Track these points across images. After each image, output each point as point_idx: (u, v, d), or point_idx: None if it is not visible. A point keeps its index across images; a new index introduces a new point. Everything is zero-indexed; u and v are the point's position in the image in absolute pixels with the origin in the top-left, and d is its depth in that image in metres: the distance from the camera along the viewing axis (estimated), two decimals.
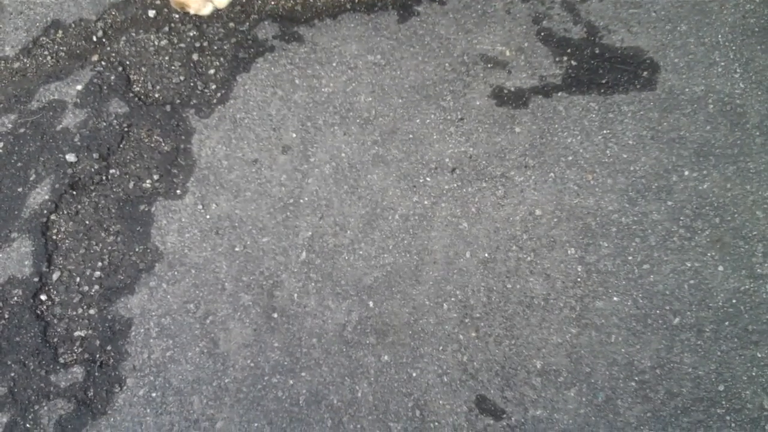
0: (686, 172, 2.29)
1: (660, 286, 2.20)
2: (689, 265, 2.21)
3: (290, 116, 2.40)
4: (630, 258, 2.23)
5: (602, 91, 2.40)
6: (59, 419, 2.10)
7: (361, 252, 2.26)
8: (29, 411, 2.10)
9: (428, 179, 2.33)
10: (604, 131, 2.35)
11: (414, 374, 2.15)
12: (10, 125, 2.39)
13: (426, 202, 2.30)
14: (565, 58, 2.45)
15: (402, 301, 2.21)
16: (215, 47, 2.49)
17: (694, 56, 2.42)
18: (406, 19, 2.53)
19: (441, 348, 2.17)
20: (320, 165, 2.34)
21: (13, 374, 2.13)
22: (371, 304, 2.21)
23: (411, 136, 2.38)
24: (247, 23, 2.52)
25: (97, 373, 2.14)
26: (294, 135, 2.37)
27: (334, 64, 2.47)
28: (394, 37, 2.51)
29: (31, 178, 2.31)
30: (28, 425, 2.09)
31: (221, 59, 2.48)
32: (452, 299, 2.21)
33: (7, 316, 2.17)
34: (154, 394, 2.12)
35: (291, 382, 2.14)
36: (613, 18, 2.49)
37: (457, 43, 2.51)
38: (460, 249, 2.26)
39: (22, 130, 2.38)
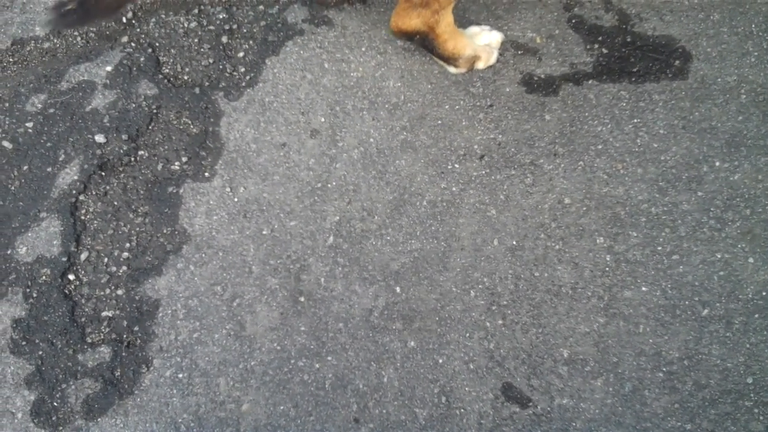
0: (717, 163, 2.27)
1: (689, 277, 2.19)
2: (719, 256, 2.20)
3: (319, 100, 2.39)
4: (659, 248, 2.22)
5: (633, 79, 2.38)
6: (86, 398, 2.11)
7: (388, 237, 2.25)
8: (57, 389, 2.11)
9: (456, 166, 2.32)
10: (635, 120, 2.33)
11: (440, 361, 2.15)
12: (39, 105, 2.39)
13: (454, 189, 2.29)
14: (596, 46, 2.44)
15: (429, 287, 2.21)
16: (245, 30, 2.49)
17: (726, 46, 2.39)
18: None
19: (468, 335, 2.17)
20: (348, 150, 2.34)
21: (41, 353, 2.14)
22: (398, 289, 2.20)
23: (440, 122, 2.37)
24: (277, 6, 2.51)
25: (124, 354, 2.14)
26: (323, 119, 2.37)
27: (364, 49, 2.47)
28: None
29: (61, 159, 2.32)
30: (55, 403, 2.10)
31: (250, 42, 2.47)
32: (479, 286, 2.21)
33: (35, 295, 2.18)
34: (180, 375, 2.13)
35: (317, 365, 2.14)
36: (646, 6, 2.47)
37: None
38: (488, 236, 2.25)
39: (51, 111, 2.38)
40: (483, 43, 2.39)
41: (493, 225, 2.25)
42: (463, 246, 2.24)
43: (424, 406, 2.10)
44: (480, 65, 2.37)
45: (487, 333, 2.16)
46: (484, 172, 2.31)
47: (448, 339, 2.16)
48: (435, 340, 2.16)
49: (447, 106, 2.38)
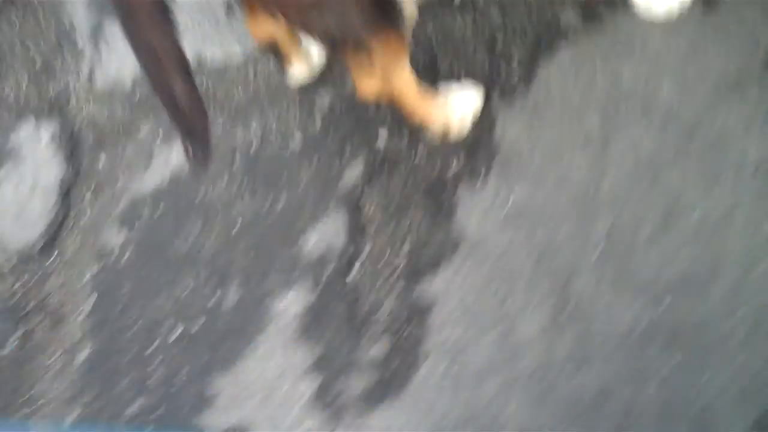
0: None
1: None
2: None
3: (591, 105, 2.38)
4: None
5: None
6: (363, 389, 2.24)
7: (656, 251, 2.25)
8: (338, 378, 2.26)
9: (729, 178, 2.27)
10: None
11: (702, 381, 2.14)
12: (327, 104, 2.50)
13: (726, 203, 2.24)
14: None
15: (694, 305, 2.19)
16: (518, 30, 2.50)
17: None
18: (712, 7, 2.44)
19: (730, 359, 2.15)
20: (619, 157, 2.33)
21: (326, 341, 2.29)
22: (663, 305, 2.21)
23: (714, 131, 2.32)
24: (551, 7, 2.50)
25: (400, 348, 2.26)
26: (595, 125, 2.37)
27: (636, 53, 2.43)
28: (699, 26, 2.43)
29: (347, 154, 2.42)
30: (336, 391, 2.25)
31: (524, 42, 2.48)
32: (745, 308, 2.17)
33: (322, 284, 2.32)
34: (450, 375, 2.22)
35: (580, 376, 2.18)
36: None
37: (766, 33, 2.40)
38: (759, 256, 2.20)
39: (337, 108, 2.48)
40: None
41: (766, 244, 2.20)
42: (732, 264, 2.19)
43: (682, 425, 2.11)
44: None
45: (749, 359, 2.13)
46: (758, 185, 2.24)
47: (709, 361, 2.14)
48: (697, 360, 2.15)
49: (722, 115, 2.32)
